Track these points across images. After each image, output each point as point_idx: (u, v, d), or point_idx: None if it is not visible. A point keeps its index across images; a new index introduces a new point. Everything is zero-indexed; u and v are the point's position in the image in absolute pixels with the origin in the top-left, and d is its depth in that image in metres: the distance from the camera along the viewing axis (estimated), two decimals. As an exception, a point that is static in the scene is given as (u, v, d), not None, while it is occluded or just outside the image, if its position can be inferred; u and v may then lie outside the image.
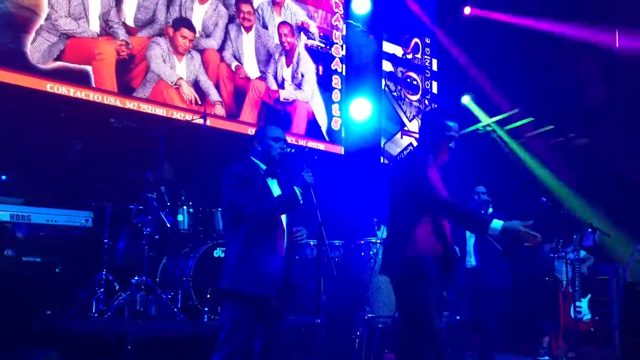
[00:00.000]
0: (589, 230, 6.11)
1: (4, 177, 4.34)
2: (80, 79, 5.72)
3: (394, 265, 3.52)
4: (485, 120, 8.92)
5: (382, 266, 3.74)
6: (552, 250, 6.39)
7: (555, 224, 6.46)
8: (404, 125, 8.61)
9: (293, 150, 3.71)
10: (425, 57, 9.01)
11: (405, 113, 8.63)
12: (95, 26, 5.88)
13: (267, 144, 3.62)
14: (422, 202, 3.43)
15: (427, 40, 9.06)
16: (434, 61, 9.13)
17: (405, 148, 8.52)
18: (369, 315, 5.32)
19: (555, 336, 6.89)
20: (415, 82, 8.82)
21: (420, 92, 8.85)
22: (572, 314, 6.30)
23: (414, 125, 8.66)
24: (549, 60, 7.97)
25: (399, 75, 8.62)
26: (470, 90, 8.84)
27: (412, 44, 8.83)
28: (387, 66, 8.51)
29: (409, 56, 8.75)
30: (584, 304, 6.46)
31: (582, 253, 6.40)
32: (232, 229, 3.52)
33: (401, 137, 8.57)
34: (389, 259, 3.62)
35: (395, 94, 8.53)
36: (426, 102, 8.90)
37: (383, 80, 8.45)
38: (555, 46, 7.75)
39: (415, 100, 8.78)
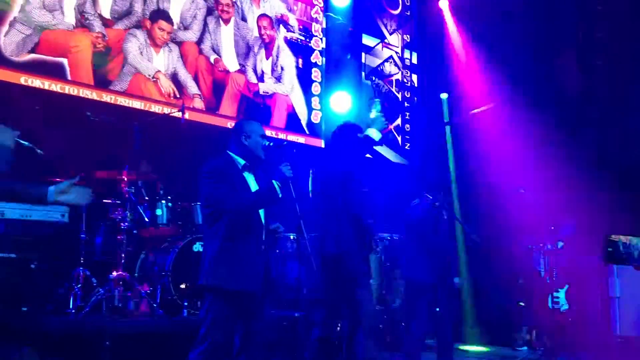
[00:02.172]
0: (567, 221, 6.19)
1: (-25, 173, 4.24)
2: (55, 71, 5.63)
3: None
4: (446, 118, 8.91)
5: None
6: (530, 242, 6.46)
7: (532, 215, 6.52)
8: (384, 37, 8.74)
9: (271, 144, 3.69)
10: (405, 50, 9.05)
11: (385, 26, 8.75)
12: (70, 18, 5.78)
13: (255, 140, 3.62)
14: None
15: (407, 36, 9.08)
16: (414, 54, 9.17)
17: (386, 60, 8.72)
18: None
19: (533, 327, 6.98)
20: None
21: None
22: (549, 304, 6.38)
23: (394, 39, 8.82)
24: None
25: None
26: (452, 81, 8.84)
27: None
28: (366, 59, 8.52)
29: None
30: (561, 294, 6.54)
31: (559, 244, 6.48)
32: (210, 224, 3.51)
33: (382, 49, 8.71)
34: None
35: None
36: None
37: (363, 73, 8.46)
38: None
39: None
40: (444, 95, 8.58)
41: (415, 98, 9.14)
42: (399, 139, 8.82)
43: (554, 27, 7.91)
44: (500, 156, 7.25)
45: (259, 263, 3.52)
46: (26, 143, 3.77)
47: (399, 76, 8.97)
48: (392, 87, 8.87)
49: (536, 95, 7.55)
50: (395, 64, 8.94)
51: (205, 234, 3.68)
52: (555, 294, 6.22)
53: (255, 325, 3.52)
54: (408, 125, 8.98)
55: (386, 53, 8.84)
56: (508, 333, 7.10)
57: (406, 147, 8.86)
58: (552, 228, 6.17)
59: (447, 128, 8.26)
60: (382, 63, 8.76)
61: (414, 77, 9.17)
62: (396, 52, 8.97)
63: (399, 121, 8.87)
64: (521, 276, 6.91)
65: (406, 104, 9.03)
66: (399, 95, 8.93)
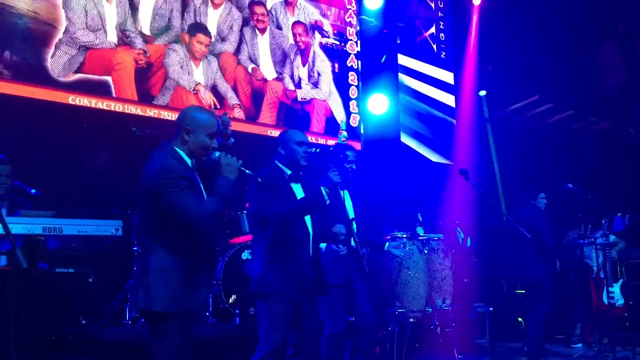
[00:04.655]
0: (619, 214, 6.04)
1: (33, 191, 4.40)
2: (100, 89, 5.78)
3: None
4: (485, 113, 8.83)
5: None
6: (581, 236, 6.32)
7: (583, 210, 6.39)
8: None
9: (318, 150, 3.71)
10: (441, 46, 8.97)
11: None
12: (112, 37, 5.93)
13: (291, 148, 3.62)
14: None
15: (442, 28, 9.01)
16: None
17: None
18: (400, 311, 5.30)
19: (588, 323, 6.82)
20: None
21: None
22: (604, 299, 6.23)
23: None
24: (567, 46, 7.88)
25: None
26: (487, 79, 8.76)
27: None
28: (402, 60, 8.48)
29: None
30: (616, 288, 6.38)
31: (612, 237, 6.33)
32: (258, 232, 3.53)
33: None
34: None
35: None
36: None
37: (399, 74, 8.42)
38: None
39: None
40: (482, 93, 8.50)
41: (453, 96, 9.07)
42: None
43: (593, 18, 7.76)
44: (545, 150, 7.15)
45: (307, 270, 3.53)
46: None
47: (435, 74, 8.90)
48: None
49: (578, 87, 7.40)
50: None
51: (253, 242, 3.71)
52: (610, 288, 6.07)
53: (306, 332, 3.54)
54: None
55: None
56: (562, 330, 6.96)
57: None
58: (604, 222, 6.02)
59: (488, 125, 8.17)
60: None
61: (450, 75, 9.09)
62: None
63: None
64: (573, 271, 6.76)
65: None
66: (435, 94, 8.86)
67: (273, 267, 3.44)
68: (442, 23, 8.99)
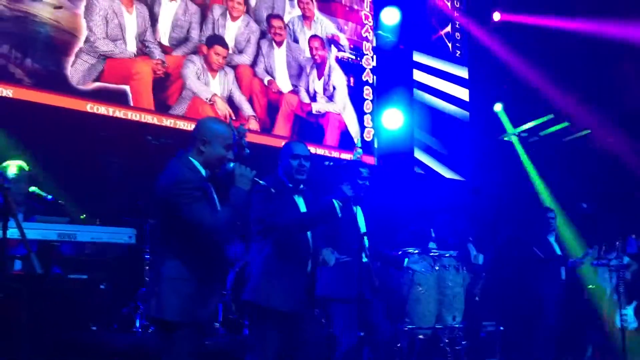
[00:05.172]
0: (633, 236, 5.98)
1: (50, 197, 4.46)
2: (118, 98, 5.86)
3: None
4: (510, 129, 8.81)
5: None
6: (595, 257, 6.26)
7: (596, 230, 6.34)
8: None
9: (331, 164, 3.73)
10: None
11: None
12: (132, 46, 6.01)
13: (285, 162, 3.62)
14: None
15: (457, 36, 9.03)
16: (465, 69, 9.10)
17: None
18: (409, 327, 5.27)
19: (599, 345, 6.73)
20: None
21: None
22: (617, 322, 6.15)
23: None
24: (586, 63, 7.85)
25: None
26: (504, 96, 8.75)
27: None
28: (418, 76, 8.50)
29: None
30: (629, 311, 6.30)
31: (626, 259, 6.26)
32: (258, 241, 3.51)
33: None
34: None
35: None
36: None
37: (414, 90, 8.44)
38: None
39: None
40: (497, 107, 8.48)
41: (468, 112, 9.06)
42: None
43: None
44: (560, 168, 7.10)
45: (303, 284, 3.48)
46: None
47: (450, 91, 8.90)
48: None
49: (599, 103, 7.36)
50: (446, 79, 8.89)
51: (251, 251, 3.67)
52: (623, 311, 6.00)
53: (301, 346, 3.48)
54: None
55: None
56: (573, 352, 6.87)
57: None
58: (618, 243, 5.96)
59: (515, 139, 8.11)
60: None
61: (466, 92, 9.08)
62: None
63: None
64: (585, 292, 6.69)
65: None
66: (451, 110, 8.86)
67: (270, 277, 3.41)
68: (457, 34, 9.01)
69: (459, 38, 9.02)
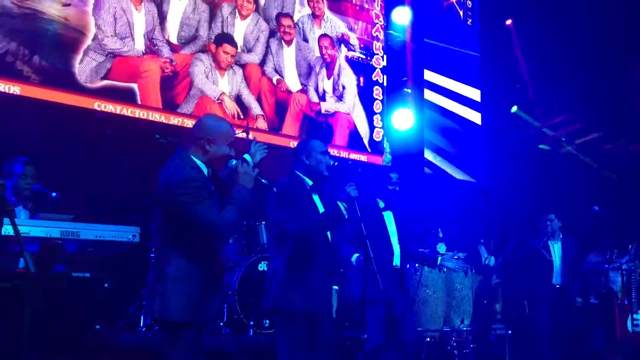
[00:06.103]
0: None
1: (54, 194, 4.45)
2: (126, 96, 5.84)
3: None
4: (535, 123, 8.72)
5: None
6: (607, 261, 6.16)
7: (609, 234, 6.23)
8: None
9: (336, 163, 3.68)
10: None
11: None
12: (140, 45, 6.00)
13: (316, 158, 3.58)
14: None
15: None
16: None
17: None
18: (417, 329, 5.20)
19: (611, 350, 6.61)
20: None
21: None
22: (629, 326, 6.04)
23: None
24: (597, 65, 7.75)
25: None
26: (518, 99, 8.66)
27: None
28: (428, 76, 8.42)
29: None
30: (641, 316, 6.18)
31: (638, 262, 6.14)
32: (277, 244, 3.49)
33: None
34: None
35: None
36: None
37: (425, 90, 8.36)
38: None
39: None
40: (514, 109, 8.38)
41: (480, 113, 8.97)
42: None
43: (623, 35, 7.61)
44: (572, 171, 7.00)
45: (326, 284, 3.48)
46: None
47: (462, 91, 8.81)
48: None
49: (608, 109, 7.26)
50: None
51: (271, 254, 3.67)
52: (635, 315, 5.88)
53: (324, 348, 3.48)
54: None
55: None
56: (584, 356, 6.75)
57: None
58: (631, 247, 5.86)
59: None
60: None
61: (477, 93, 8.98)
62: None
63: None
64: (594, 296, 6.58)
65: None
66: (461, 111, 8.77)
67: (292, 282, 3.38)
68: (469, 2, 8.91)
69: (470, 7, 8.89)
